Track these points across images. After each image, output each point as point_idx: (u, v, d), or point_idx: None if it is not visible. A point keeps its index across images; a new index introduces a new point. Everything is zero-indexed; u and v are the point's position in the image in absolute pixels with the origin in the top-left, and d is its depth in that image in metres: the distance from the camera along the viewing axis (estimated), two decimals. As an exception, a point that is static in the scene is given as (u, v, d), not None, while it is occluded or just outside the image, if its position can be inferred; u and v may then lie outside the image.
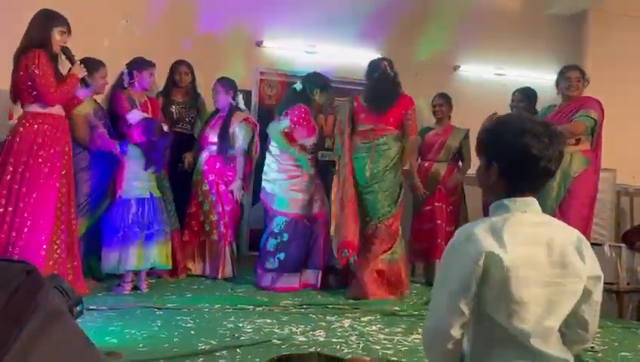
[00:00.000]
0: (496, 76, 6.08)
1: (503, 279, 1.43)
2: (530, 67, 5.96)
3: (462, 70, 6.06)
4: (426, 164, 5.04)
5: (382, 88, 4.21)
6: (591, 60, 5.89)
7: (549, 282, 1.46)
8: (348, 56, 5.71)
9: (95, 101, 4.17)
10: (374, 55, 5.79)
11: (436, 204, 4.90)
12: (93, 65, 3.93)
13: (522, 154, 1.50)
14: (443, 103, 5.08)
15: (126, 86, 4.32)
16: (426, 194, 4.92)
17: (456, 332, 1.47)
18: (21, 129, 3.40)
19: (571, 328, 1.56)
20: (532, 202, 1.54)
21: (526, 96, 4.84)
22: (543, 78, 5.33)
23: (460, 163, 5.07)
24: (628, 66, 5.95)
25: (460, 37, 5.96)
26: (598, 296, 1.55)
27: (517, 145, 1.50)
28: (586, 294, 1.52)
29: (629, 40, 6.09)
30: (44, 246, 3.32)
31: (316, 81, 4.44)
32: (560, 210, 3.90)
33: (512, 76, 6.02)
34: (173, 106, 4.73)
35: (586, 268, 1.50)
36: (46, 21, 3.45)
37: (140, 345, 2.63)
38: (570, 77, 4.09)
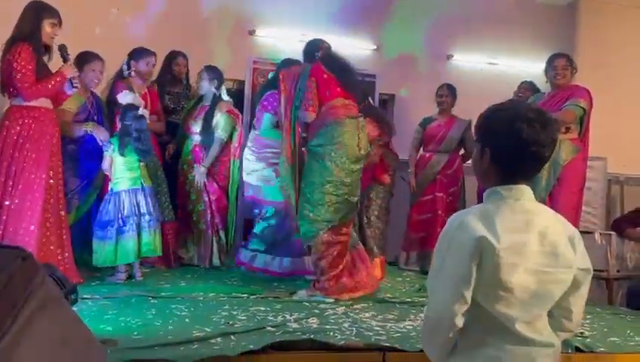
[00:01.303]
0: (489, 65, 6.10)
1: (494, 265, 1.44)
2: (523, 56, 5.98)
3: (455, 59, 6.07)
4: (427, 155, 5.08)
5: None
6: (582, 49, 5.92)
7: (539, 271, 1.47)
8: (341, 46, 5.68)
9: (91, 93, 4.15)
10: (368, 45, 5.82)
11: (437, 193, 4.95)
12: (85, 57, 3.93)
13: (513, 139, 1.50)
14: (448, 94, 5.10)
15: (125, 76, 4.32)
16: (414, 189, 4.98)
17: (459, 320, 1.47)
18: (7, 122, 3.39)
19: (556, 317, 1.58)
20: (525, 190, 1.54)
21: (532, 88, 4.86)
22: (535, 67, 5.34)
23: (462, 151, 5.12)
24: (619, 55, 5.99)
25: (453, 26, 5.97)
26: (585, 288, 1.57)
27: (508, 129, 1.50)
28: (575, 285, 1.54)
29: (621, 28, 6.12)
30: (34, 239, 3.32)
31: (288, 66, 4.23)
32: (550, 199, 3.96)
33: (505, 66, 6.04)
34: (167, 97, 4.72)
35: (577, 260, 1.52)
36: (36, 13, 3.43)
37: (135, 333, 2.65)
38: (557, 65, 4.12)
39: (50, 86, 3.42)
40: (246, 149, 4.29)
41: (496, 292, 1.46)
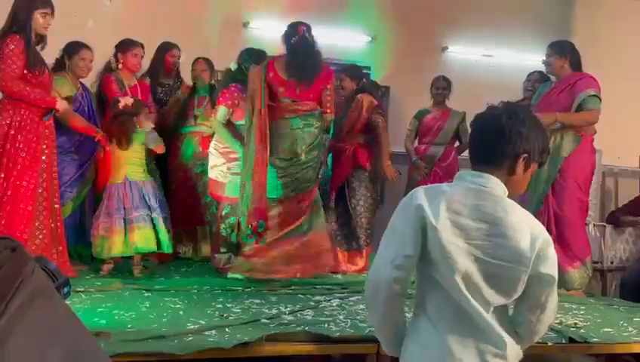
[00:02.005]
0: (484, 57, 6.09)
1: (437, 240, 1.47)
2: (518, 48, 5.97)
3: (450, 51, 6.06)
4: (423, 147, 5.07)
5: (306, 58, 3.82)
6: (578, 40, 5.89)
7: (482, 259, 1.47)
8: (335, 38, 5.68)
9: (81, 84, 4.12)
10: (363, 36, 5.80)
11: None
12: (73, 47, 3.90)
13: (474, 123, 1.63)
14: (446, 86, 5.08)
15: (113, 69, 4.28)
16: (425, 171, 4.96)
17: (397, 284, 1.50)
18: None
19: (510, 325, 1.55)
20: (488, 178, 1.54)
21: (542, 78, 4.76)
22: (531, 59, 5.34)
23: (458, 144, 5.12)
24: (615, 46, 5.98)
25: (447, 18, 5.96)
26: (542, 298, 1.52)
27: (477, 115, 1.63)
28: (530, 291, 1.50)
29: (617, 19, 6.12)
30: (25, 232, 3.30)
31: (250, 56, 4.15)
32: (553, 193, 3.86)
33: (500, 58, 6.03)
34: (160, 89, 4.68)
35: (534, 262, 1.47)
36: (28, 3, 3.39)
37: (129, 326, 2.64)
38: (546, 55, 4.10)
39: (32, 96, 3.35)
40: (212, 143, 4.15)
41: (445, 271, 1.48)
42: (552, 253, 1.52)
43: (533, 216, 1.58)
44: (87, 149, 4.02)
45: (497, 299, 1.50)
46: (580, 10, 6.19)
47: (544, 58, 4.12)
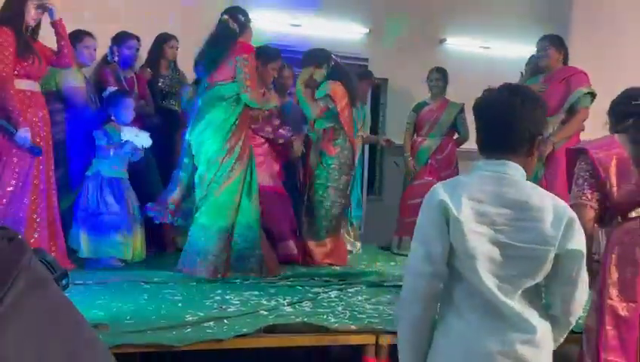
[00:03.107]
0: (482, 49, 6.07)
1: (460, 232, 1.47)
2: (516, 39, 5.95)
3: (448, 43, 6.04)
4: (419, 140, 5.07)
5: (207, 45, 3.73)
6: (576, 30, 5.90)
7: (507, 244, 1.47)
8: (333, 30, 5.66)
9: (82, 75, 4.11)
10: (360, 28, 5.78)
11: (427, 178, 4.94)
12: (75, 36, 3.88)
13: (485, 111, 1.57)
14: (440, 78, 5.07)
15: (110, 61, 4.28)
16: (415, 169, 4.96)
17: (431, 284, 1.51)
18: None
19: (546, 304, 1.54)
20: (507, 164, 1.53)
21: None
22: (528, 50, 5.31)
23: (457, 136, 5.11)
24: (613, 33, 5.96)
25: (445, 9, 5.94)
26: (575, 275, 1.50)
27: (482, 101, 1.58)
28: (558, 268, 1.49)
29: (615, 8, 6.09)
30: (23, 224, 3.29)
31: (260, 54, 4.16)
32: (546, 179, 3.91)
33: (498, 49, 6.02)
34: (161, 80, 4.65)
35: (560, 239, 1.46)
36: None
37: (127, 318, 2.65)
38: (539, 48, 4.13)
39: (10, 106, 3.25)
40: None
41: (467, 261, 1.48)
42: (578, 229, 1.50)
43: (554, 196, 1.56)
44: (83, 142, 4.01)
45: (524, 282, 1.48)
46: (576, 2, 6.17)
47: (539, 49, 4.13)
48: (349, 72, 4.43)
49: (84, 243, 3.71)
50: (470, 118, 4.99)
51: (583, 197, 2.02)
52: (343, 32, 5.72)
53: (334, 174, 4.21)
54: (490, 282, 1.46)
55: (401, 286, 3.66)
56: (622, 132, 2.10)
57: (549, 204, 1.50)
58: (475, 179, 1.55)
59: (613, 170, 1.97)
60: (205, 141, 3.66)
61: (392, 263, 4.59)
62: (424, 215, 1.56)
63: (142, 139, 3.82)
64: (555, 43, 4.08)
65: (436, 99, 5.10)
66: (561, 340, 1.59)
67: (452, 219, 1.48)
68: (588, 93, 3.97)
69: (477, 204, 1.49)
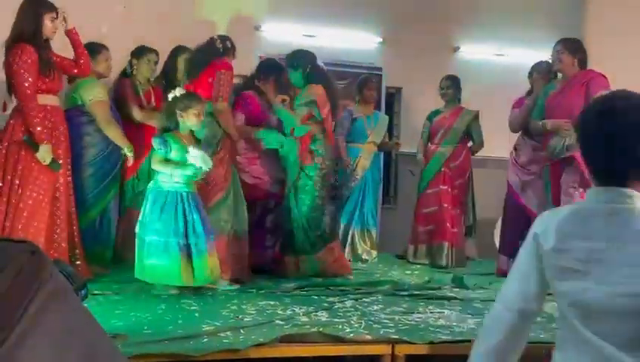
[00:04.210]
0: (497, 57, 6.06)
1: (551, 266, 1.36)
2: (531, 46, 5.92)
3: (462, 51, 6.04)
4: (433, 147, 5.07)
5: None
6: (592, 35, 5.85)
7: (612, 281, 1.26)
8: (347, 40, 5.70)
9: (105, 88, 4.17)
10: (374, 38, 5.80)
11: (442, 186, 4.94)
12: (94, 49, 3.94)
13: (597, 131, 1.35)
14: (450, 86, 5.06)
15: (129, 75, 4.36)
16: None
17: (515, 319, 1.40)
18: (11, 121, 3.39)
19: None
20: (612, 191, 1.32)
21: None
22: (543, 57, 5.29)
23: (471, 144, 5.09)
24: (629, 37, 5.90)
25: (459, 18, 5.94)
26: None
27: (583, 120, 1.40)
28: None
29: (631, 14, 6.03)
30: (42, 238, 3.33)
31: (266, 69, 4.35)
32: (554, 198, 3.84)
33: (513, 56, 6.00)
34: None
35: None
36: (35, 9, 3.40)
37: (145, 328, 2.67)
38: (553, 52, 4.05)
39: (33, 122, 3.28)
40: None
41: (561, 300, 1.34)
42: None
43: None
44: (108, 157, 4.06)
45: (629, 325, 1.26)
46: (590, 7, 6.14)
47: (553, 53, 4.07)
48: (330, 77, 4.29)
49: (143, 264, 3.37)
50: (483, 125, 5.02)
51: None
52: (356, 42, 5.75)
53: (318, 183, 4.05)
54: (584, 325, 1.29)
55: (417, 294, 3.69)
56: None
57: None
58: (576, 208, 1.40)
59: None
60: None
61: (408, 272, 4.58)
62: (522, 247, 1.44)
63: (207, 163, 3.42)
64: (568, 47, 3.99)
65: (449, 107, 5.09)
66: None
67: (544, 254, 1.36)
68: None
69: (573, 239, 1.33)
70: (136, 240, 3.42)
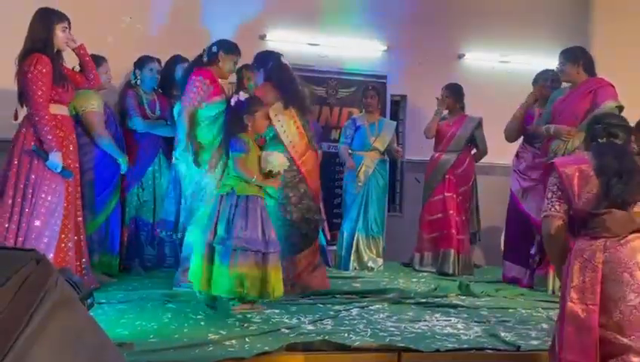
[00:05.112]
0: (501, 64, 6.06)
1: None
2: (536, 53, 5.93)
3: (467, 59, 6.04)
4: (437, 154, 5.06)
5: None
6: (594, 44, 5.85)
7: None
8: (351, 48, 5.71)
9: (101, 99, 4.21)
10: (378, 46, 5.82)
11: (446, 193, 4.93)
12: (95, 61, 3.97)
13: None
14: (449, 95, 5.06)
15: (133, 84, 4.40)
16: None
17: None
18: (23, 130, 3.41)
19: None
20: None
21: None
22: (548, 64, 5.29)
23: (475, 151, 5.09)
24: (632, 49, 5.89)
25: (464, 25, 5.95)
26: None
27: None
28: None
29: (636, 20, 6.03)
30: (53, 247, 3.34)
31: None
32: None
33: (517, 63, 6.00)
34: (173, 101, 4.72)
35: None
36: (47, 20, 3.43)
37: (151, 336, 2.68)
38: (559, 63, 4.12)
39: (43, 130, 3.30)
40: None
41: None
42: None
43: None
44: (111, 164, 4.10)
45: None
46: (595, 13, 6.13)
47: (557, 66, 4.13)
48: (293, 76, 3.97)
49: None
50: (488, 132, 5.02)
51: (552, 209, 2.12)
52: (361, 50, 5.77)
53: (280, 191, 3.70)
54: None
55: (423, 302, 3.67)
56: (590, 150, 2.24)
57: None
58: None
59: (576, 181, 2.09)
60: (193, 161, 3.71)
61: (414, 280, 4.56)
62: None
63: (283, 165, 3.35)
64: (568, 57, 4.06)
65: (453, 114, 5.10)
66: None
67: None
68: (616, 106, 3.87)
69: None
70: (208, 249, 3.19)
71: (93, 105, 3.93)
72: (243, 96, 3.42)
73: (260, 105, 3.40)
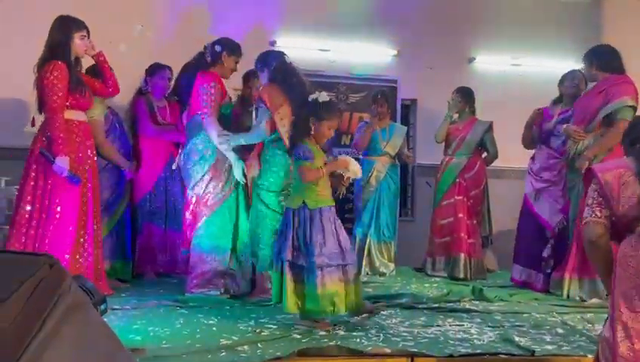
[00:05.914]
0: (513, 67, 6.03)
1: None
2: (547, 56, 5.90)
3: (477, 62, 6.03)
4: (447, 159, 5.05)
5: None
6: (608, 41, 5.80)
7: None
8: (361, 53, 5.72)
9: (107, 107, 4.24)
10: (388, 50, 5.82)
11: (457, 197, 4.91)
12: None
13: None
14: (460, 99, 5.04)
15: (144, 92, 4.43)
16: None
17: None
18: (42, 138, 3.44)
19: None
20: None
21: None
22: (559, 67, 5.26)
23: (485, 154, 5.06)
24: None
25: (474, 29, 5.94)
26: None
27: None
28: None
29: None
30: (68, 254, 3.37)
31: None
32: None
33: (528, 66, 5.97)
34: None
35: None
36: (65, 28, 3.48)
37: (164, 342, 2.68)
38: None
39: (54, 134, 3.33)
40: None
41: None
42: None
43: None
44: (119, 169, 4.15)
45: None
46: (606, 16, 6.09)
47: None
48: (299, 75, 3.72)
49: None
50: (499, 136, 4.99)
51: (593, 216, 2.07)
52: (371, 55, 5.77)
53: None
54: None
55: (436, 307, 3.65)
56: (631, 155, 2.19)
57: None
58: None
59: (616, 187, 2.04)
60: (193, 166, 3.75)
61: (427, 285, 4.54)
62: None
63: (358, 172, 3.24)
64: (584, 60, 4.08)
65: (463, 118, 5.08)
66: None
67: None
68: (630, 106, 3.82)
69: None
70: (289, 268, 3.01)
71: (93, 114, 3.97)
72: (323, 97, 3.10)
73: (332, 114, 3.12)
